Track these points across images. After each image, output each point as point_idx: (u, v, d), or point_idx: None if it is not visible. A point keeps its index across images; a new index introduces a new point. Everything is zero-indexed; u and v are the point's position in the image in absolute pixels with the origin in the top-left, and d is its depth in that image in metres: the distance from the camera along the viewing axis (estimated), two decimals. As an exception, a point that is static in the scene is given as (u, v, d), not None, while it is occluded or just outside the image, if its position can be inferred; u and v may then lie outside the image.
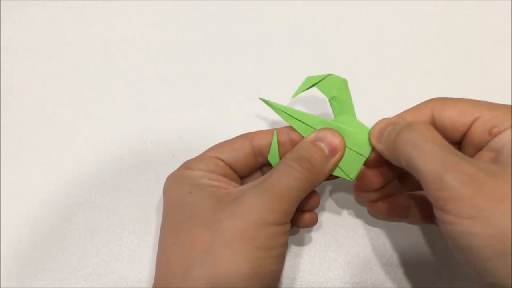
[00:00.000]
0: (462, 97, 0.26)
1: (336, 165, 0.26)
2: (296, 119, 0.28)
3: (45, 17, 0.41)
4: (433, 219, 0.22)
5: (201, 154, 0.28)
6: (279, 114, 0.28)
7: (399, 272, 0.31)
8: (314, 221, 0.29)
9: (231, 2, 0.42)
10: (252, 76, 0.38)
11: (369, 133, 0.27)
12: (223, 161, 0.27)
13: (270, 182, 0.24)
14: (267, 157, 0.28)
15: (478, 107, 0.25)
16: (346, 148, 0.27)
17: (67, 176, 0.34)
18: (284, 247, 0.24)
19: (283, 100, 0.37)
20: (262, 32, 0.41)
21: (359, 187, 0.29)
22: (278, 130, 0.28)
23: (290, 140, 0.28)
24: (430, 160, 0.21)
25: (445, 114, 0.26)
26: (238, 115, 0.37)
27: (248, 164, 0.28)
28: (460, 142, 0.26)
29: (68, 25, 0.41)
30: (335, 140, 0.26)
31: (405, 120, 0.26)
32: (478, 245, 0.20)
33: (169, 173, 0.28)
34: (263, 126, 0.36)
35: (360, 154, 0.27)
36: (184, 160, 0.28)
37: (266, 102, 0.28)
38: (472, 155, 0.25)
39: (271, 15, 0.41)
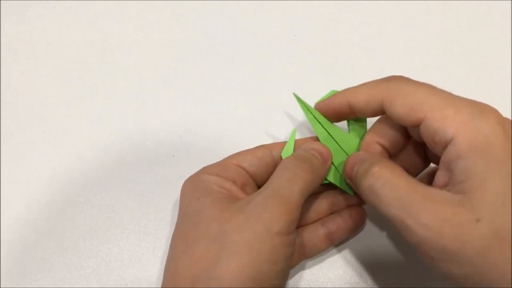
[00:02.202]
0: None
1: (327, 171, 0.27)
2: (320, 123, 0.28)
3: (45, 17, 0.41)
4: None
5: (222, 160, 0.28)
6: (306, 114, 0.28)
7: (399, 272, 0.31)
8: (362, 217, 0.29)
9: (231, 2, 0.42)
10: (252, 76, 0.38)
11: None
12: (244, 169, 0.27)
13: (272, 189, 0.24)
14: (281, 153, 0.28)
15: (426, 105, 0.22)
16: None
17: (67, 176, 0.34)
18: (288, 262, 0.23)
19: (283, 100, 0.37)
20: (262, 32, 0.41)
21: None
22: (298, 140, 0.29)
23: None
24: (390, 207, 0.22)
25: (393, 110, 0.24)
26: (238, 115, 0.37)
27: (268, 174, 0.27)
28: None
29: (68, 25, 0.41)
30: (324, 150, 0.27)
31: (367, 158, 0.25)
32: (460, 281, 0.20)
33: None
34: (263, 125, 0.36)
35: None
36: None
37: (297, 99, 0.29)
38: (434, 155, 0.24)
39: (271, 15, 0.41)
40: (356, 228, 0.29)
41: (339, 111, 0.27)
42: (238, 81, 0.38)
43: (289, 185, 0.24)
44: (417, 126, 0.23)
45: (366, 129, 0.29)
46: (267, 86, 0.38)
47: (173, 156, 0.35)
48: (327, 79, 0.38)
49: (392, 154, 0.28)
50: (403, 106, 0.23)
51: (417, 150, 0.28)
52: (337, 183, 0.28)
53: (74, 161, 0.35)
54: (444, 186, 0.22)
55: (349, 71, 0.39)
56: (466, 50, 0.39)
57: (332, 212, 0.29)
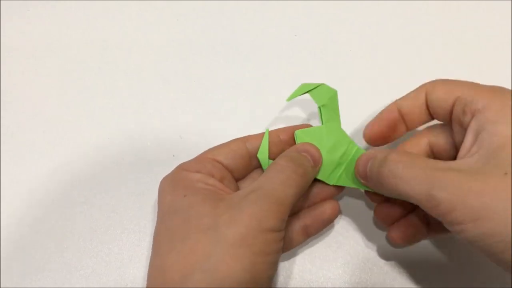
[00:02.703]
0: None
1: (317, 174, 0.28)
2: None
3: (45, 17, 0.41)
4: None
5: (198, 156, 0.28)
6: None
7: (399, 272, 0.31)
8: (336, 210, 0.29)
9: (231, 2, 0.42)
10: (252, 76, 0.38)
11: (348, 149, 0.29)
12: (220, 163, 0.28)
13: (265, 189, 0.24)
14: (257, 153, 0.29)
15: (461, 87, 0.25)
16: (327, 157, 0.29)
17: (67, 176, 0.34)
18: (279, 254, 0.24)
19: (282, 100, 0.37)
20: (262, 32, 0.41)
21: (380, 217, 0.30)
22: (270, 132, 0.29)
23: (280, 140, 0.29)
24: (415, 184, 0.22)
25: (433, 95, 0.26)
26: (238, 115, 0.37)
27: (244, 166, 0.29)
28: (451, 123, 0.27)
29: (68, 25, 0.41)
30: (317, 154, 0.28)
31: (382, 151, 0.26)
32: (489, 243, 0.20)
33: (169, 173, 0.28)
34: (262, 125, 0.36)
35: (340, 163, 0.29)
36: (184, 160, 0.28)
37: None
38: (461, 138, 0.25)
39: (271, 15, 0.41)
40: (331, 221, 0.30)
41: (392, 122, 0.28)
42: (238, 81, 0.38)
43: (283, 188, 0.24)
44: (449, 106, 0.25)
45: (338, 116, 0.30)
46: (267, 86, 0.38)
47: (173, 156, 0.35)
48: (327, 79, 0.38)
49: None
50: (442, 91, 0.26)
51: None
52: (322, 178, 0.29)
53: (74, 161, 0.35)
54: (468, 154, 0.23)
55: (349, 71, 0.39)
56: (466, 50, 0.39)
57: (308, 206, 0.30)
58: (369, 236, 0.32)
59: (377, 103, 0.37)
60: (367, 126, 0.29)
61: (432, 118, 0.28)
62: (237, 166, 0.28)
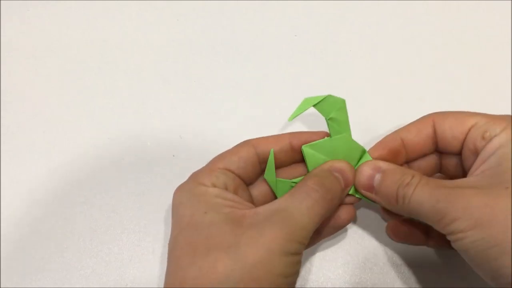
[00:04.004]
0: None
1: (343, 197, 0.28)
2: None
3: (45, 17, 0.41)
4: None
5: (209, 166, 0.28)
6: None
7: (399, 272, 0.31)
8: (352, 216, 0.29)
9: (231, 2, 0.42)
10: (252, 76, 0.38)
11: (359, 166, 0.28)
12: (232, 172, 0.27)
13: (290, 212, 0.24)
14: (264, 174, 0.28)
15: (475, 116, 0.26)
16: None
17: (67, 176, 0.34)
18: (297, 275, 0.24)
19: (282, 100, 0.37)
20: (262, 32, 0.41)
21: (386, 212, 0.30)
22: (278, 137, 0.29)
23: (291, 146, 0.28)
24: (423, 201, 0.24)
25: (445, 123, 0.27)
26: (238, 115, 0.37)
27: (255, 173, 0.28)
28: (461, 153, 0.27)
29: (68, 25, 0.41)
30: (350, 175, 0.27)
31: (392, 168, 0.27)
32: (486, 247, 0.22)
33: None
34: (262, 125, 0.36)
35: None
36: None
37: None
38: (471, 164, 0.26)
39: (271, 15, 0.41)
40: (344, 226, 0.30)
41: (394, 151, 0.29)
42: (238, 81, 0.38)
43: (308, 213, 0.24)
44: (463, 134, 0.26)
45: (348, 126, 0.28)
46: (267, 86, 0.38)
47: (173, 156, 0.35)
48: (327, 79, 0.38)
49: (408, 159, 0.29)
50: (455, 120, 0.27)
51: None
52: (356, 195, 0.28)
53: (74, 161, 0.35)
54: (475, 172, 0.25)
55: (349, 71, 0.39)
56: (466, 50, 0.39)
57: None
58: (369, 236, 0.32)
59: (377, 103, 0.37)
60: (369, 151, 0.29)
61: (433, 150, 0.29)
62: (249, 174, 0.28)
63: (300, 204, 0.24)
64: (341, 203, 0.28)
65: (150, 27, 0.41)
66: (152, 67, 0.39)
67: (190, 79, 0.38)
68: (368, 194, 0.27)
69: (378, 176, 0.27)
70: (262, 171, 0.29)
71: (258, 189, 0.29)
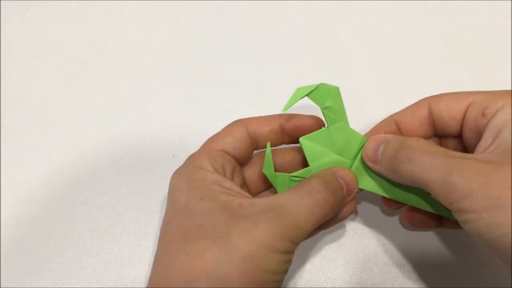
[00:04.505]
0: None
1: (344, 205, 0.27)
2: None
3: (45, 17, 0.41)
4: None
5: (205, 147, 0.27)
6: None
7: (399, 272, 0.31)
8: (353, 209, 0.28)
9: (231, 2, 0.42)
10: (252, 76, 0.38)
11: (362, 147, 0.27)
12: (229, 153, 0.27)
13: (288, 209, 0.23)
14: (263, 169, 0.27)
15: (473, 94, 0.25)
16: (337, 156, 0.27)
17: (67, 176, 0.34)
18: (286, 273, 0.24)
19: (283, 100, 0.37)
20: (262, 32, 0.41)
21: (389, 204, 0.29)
22: (269, 118, 0.28)
23: (281, 128, 0.28)
24: (432, 169, 0.22)
25: (441, 104, 0.26)
26: (238, 115, 0.36)
27: (249, 153, 0.28)
28: (460, 135, 0.26)
29: (68, 25, 0.41)
30: (353, 183, 0.26)
31: (395, 136, 0.26)
32: (500, 234, 0.19)
33: (169, 173, 0.27)
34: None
35: (350, 161, 0.28)
36: (184, 160, 0.28)
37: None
38: (474, 143, 0.25)
39: (271, 15, 0.41)
40: (344, 218, 0.28)
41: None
42: (238, 81, 0.38)
43: (306, 214, 0.23)
44: (461, 113, 0.25)
45: (345, 114, 0.28)
46: (267, 86, 0.38)
47: (173, 156, 0.35)
48: (327, 79, 0.38)
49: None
50: (450, 100, 0.26)
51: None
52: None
53: (74, 161, 0.35)
54: (486, 151, 0.23)
55: (349, 71, 0.39)
56: (466, 50, 0.39)
57: None
58: (369, 236, 0.32)
59: (377, 103, 0.37)
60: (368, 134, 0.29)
61: (432, 134, 0.28)
62: (243, 155, 0.28)
63: (299, 202, 0.24)
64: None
65: (150, 27, 0.41)
66: (152, 67, 0.39)
67: (190, 79, 0.38)
68: (374, 166, 0.26)
69: (382, 146, 0.26)
70: (253, 151, 0.29)
71: (251, 170, 0.29)
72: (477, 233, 0.20)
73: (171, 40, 0.40)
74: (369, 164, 0.27)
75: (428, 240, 0.32)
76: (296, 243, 0.23)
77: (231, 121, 0.29)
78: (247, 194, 0.26)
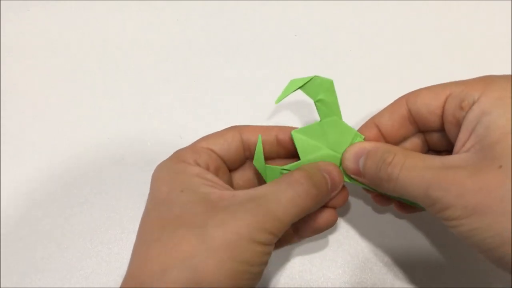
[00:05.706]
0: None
1: (327, 200, 0.26)
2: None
3: (46, 17, 0.41)
4: None
5: (193, 144, 0.28)
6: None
7: (399, 272, 0.31)
8: (333, 221, 0.28)
9: (231, 2, 0.42)
10: (252, 76, 0.38)
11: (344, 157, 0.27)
12: (215, 153, 0.27)
13: (267, 200, 0.23)
14: (253, 161, 0.27)
15: (449, 86, 0.25)
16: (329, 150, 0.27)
17: (67, 176, 0.34)
18: (264, 266, 0.23)
19: (283, 99, 0.37)
20: (262, 32, 0.41)
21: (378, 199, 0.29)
22: (266, 128, 0.28)
23: (277, 140, 0.28)
24: (412, 186, 0.23)
25: (419, 101, 0.26)
26: (238, 115, 0.37)
27: (238, 158, 0.28)
28: (443, 128, 0.26)
29: (68, 25, 0.41)
30: (338, 178, 0.26)
31: (374, 147, 0.26)
32: (485, 237, 0.20)
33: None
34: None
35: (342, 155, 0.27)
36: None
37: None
38: (457, 136, 0.24)
39: (271, 15, 0.41)
40: (324, 230, 0.28)
41: (371, 139, 0.27)
42: (238, 81, 0.38)
43: (286, 205, 0.23)
44: (440, 108, 0.25)
45: (338, 108, 0.27)
46: (267, 86, 0.38)
47: (173, 156, 0.35)
48: (327, 79, 0.38)
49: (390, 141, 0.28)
50: (427, 95, 0.25)
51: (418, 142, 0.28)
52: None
53: (74, 161, 0.35)
54: (463, 148, 0.23)
55: (349, 71, 0.39)
56: (466, 50, 0.39)
57: None
58: (369, 236, 0.32)
59: (377, 104, 0.37)
60: None
61: (414, 131, 0.27)
62: (232, 158, 0.28)
63: (280, 194, 0.23)
64: (324, 205, 0.27)
65: (150, 27, 0.41)
66: (152, 67, 0.39)
67: (190, 79, 0.38)
68: (358, 178, 0.26)
69: (362, 159, 0.25)
70: (245, 159, 0.29)
71: (241, 177, 0.29)
72: (463, 236, 0.21)
73: (171, 40, 0.40)
74: (353, 176, 0.27)
75: (428, 240, 0.32)
76: (275, 235, 0.23)
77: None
78: (229, 187, 0.26)
